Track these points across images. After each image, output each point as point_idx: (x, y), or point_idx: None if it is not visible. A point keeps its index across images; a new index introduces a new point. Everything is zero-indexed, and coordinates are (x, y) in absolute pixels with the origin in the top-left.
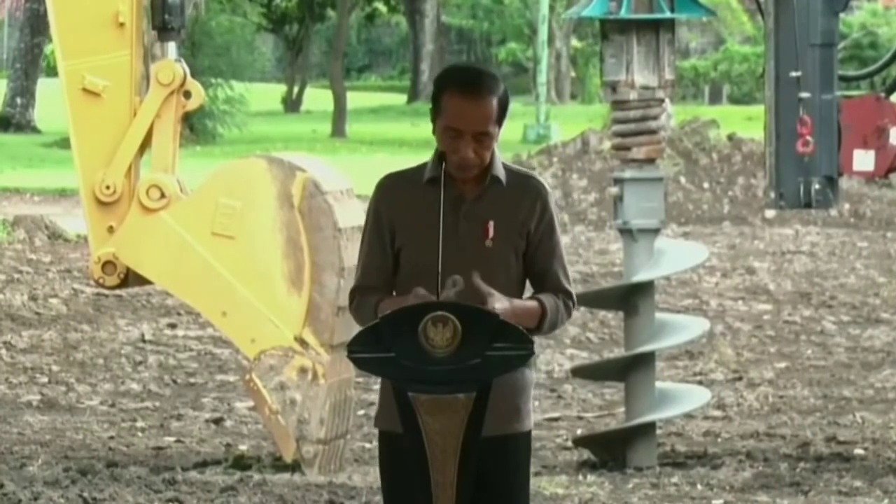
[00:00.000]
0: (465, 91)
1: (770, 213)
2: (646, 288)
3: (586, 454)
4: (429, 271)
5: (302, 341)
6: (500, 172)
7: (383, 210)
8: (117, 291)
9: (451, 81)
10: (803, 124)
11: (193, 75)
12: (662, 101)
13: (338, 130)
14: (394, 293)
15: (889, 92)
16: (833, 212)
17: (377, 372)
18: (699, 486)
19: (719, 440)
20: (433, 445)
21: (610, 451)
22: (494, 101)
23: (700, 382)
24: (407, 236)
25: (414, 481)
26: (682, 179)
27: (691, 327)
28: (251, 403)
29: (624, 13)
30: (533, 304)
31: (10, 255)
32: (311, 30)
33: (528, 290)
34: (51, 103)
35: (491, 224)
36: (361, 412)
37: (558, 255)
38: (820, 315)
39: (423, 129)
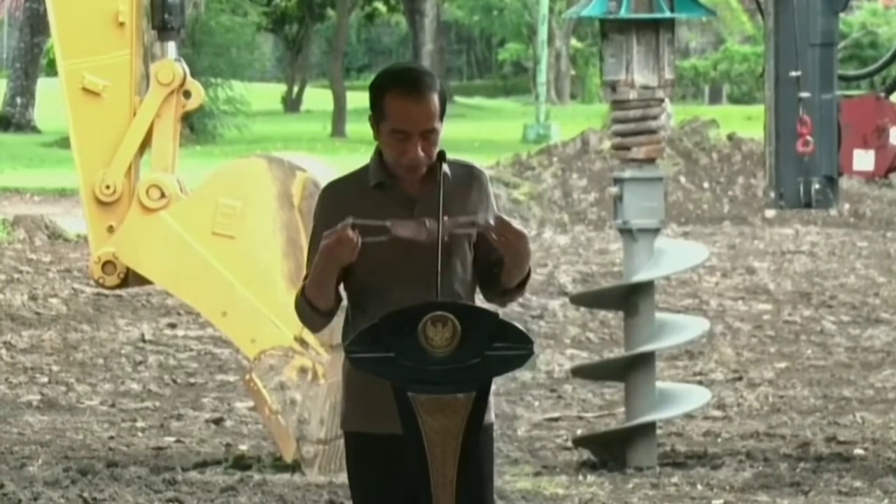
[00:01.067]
0: (407, 92)
1: (770, 213)
2: (646, 288)
3: (586, 454)
4: (394, 276)
5: (302, 341)
6: (447, 168)
7: (333, 217)
8: (117, 291)
9: (390, 84)
10: (803, 124)
11: (193, 75)
12: (662, 100)
13: (338, 130)
14: (344, 300)
15: (889, 92)
16: (833, 211)
17: (376, 372)
18: (699, 487)
19: (719, 440)
20: (433, 445)
21: (610, 451)
22: (436, 98)
23: (700, 382)
24: (364, 246)
25: (404, 480)
26: (682, 179)
27: (691, 327)
28: (251, 403)
29: (624, 13)
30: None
31: (10, 255)
32: (310, 29)
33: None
34: (51, 103)
35: (445, 219)
36: None
37: None
38: (820, 315)
39: None
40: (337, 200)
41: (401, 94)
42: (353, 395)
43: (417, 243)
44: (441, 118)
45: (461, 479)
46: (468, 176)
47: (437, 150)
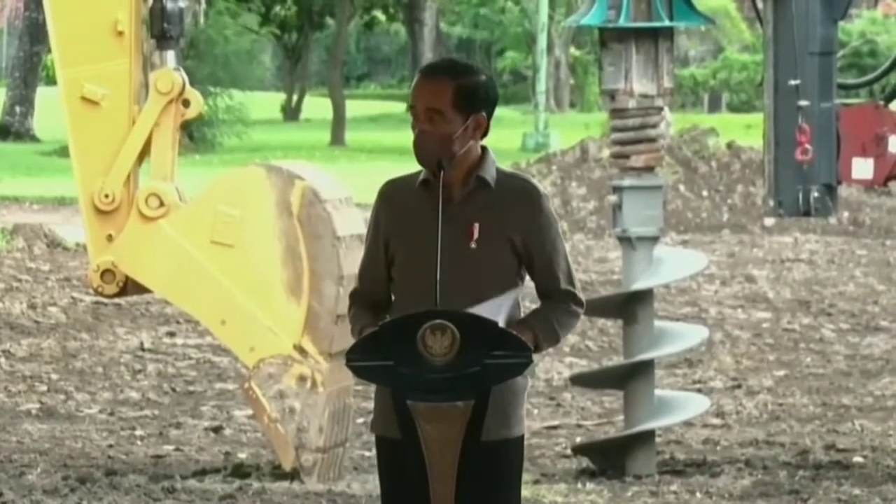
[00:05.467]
0: (423, 72)
1: (769, 221)
2: (645, 296)
3: (585, 462)
4: (418, 276)
5: (301, 349)
6: (489, 175)
7: (382, 217)
8: (116, 300)
9: (420, 70)
10: (802, 132)
11: (193, 84)
12: (661, 109)
13: (337, 139)
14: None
15: (888, 100)
16: (832, 220)
17: (376, 380)
18: (698, 494)
19: (718, 448)
20: (432, 453)
21: (609, 459)
22: (451, 84)
23: (699, 390)
24: (400, 242)
25: (410, 486)
26: (682, 187)
27: (690, 335)
28: (250, 412)
29: (623, 21)
30: (527, 335)
31: (9, 264)
32: (310, 38)
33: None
34: (50, 112)
35: (476, 226)
36: (360, 420)
37: (556, 257)
38: (819, 323)
39: None
40: (387, 202)
41: (418, 75)
42: (378, 400)
43: (444, 254)
44: (460, 109)
45: (461, 488)
46: (513, 188)
47: (449, 140)
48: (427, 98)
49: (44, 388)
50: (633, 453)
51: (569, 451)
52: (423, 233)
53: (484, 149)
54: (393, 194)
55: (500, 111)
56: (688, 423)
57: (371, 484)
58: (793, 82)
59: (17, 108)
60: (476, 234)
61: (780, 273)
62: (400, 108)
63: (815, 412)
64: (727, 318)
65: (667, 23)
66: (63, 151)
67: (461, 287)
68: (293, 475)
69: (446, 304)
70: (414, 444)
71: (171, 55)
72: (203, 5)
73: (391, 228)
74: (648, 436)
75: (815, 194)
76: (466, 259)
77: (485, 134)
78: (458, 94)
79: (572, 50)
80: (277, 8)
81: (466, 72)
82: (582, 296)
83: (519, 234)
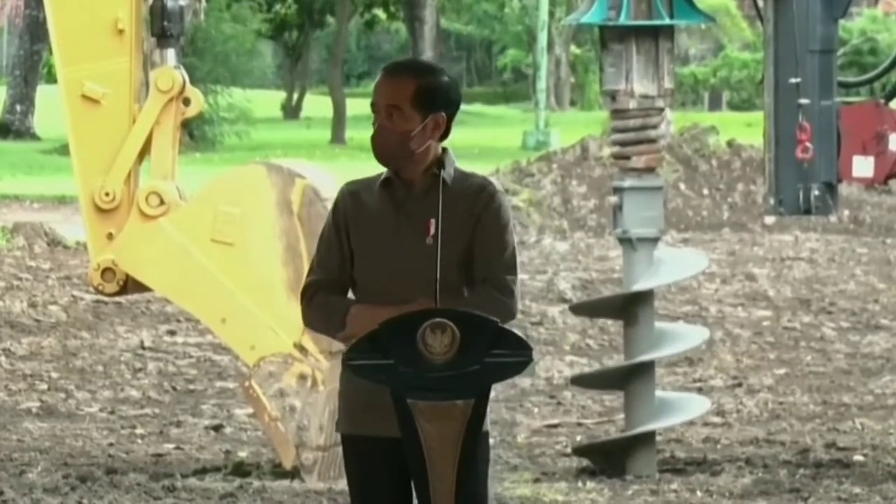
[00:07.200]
0: (386, 70)
1: (769, 220)
2: (645, 297)
3: (586, 461)
4: (379, 273)
5: (301, 348)
6: (447, 173)
7: (341, 213)
8: (117, 298)
9: (383, 68)
10: (803, 130)
11: (193, 82)
12: (662, 109)
13: (337, 137)
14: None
15: (888, 98)
16: (832, 218)
17: (375, 379)
18: (699, 493)
19: (719, 447)
20: (432, 452)
21: (609, 460)
22: (412, 82)
23: (700, 389)
24: (359, 240)
25: (375, 484)
26: (682, 186)
27: (690, 336)
28: (251, 410)
29: (623, 20)
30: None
31: (9, 262)
32: (310, 37)
33: None
34: (50, 110)
35: (432, 221)
36: None
37: (499, 249)
38: (819, 321)
39: None
40: (347, 199)
41: (382, 73)
42: (343, 398)
43: (401, 250)
44: (419, 107)
45: (461, 486)
46: (468, 184)
47: (410, 139)
48: (388, 95)
49: (44, 386)
50: (633, 454)
51: (569, 450)
52: (385, 232)
53: (444, 149)
54: (356, 193)
55: (500, 109)
56: (688, 422)
57: None
58: (793, 80)
59: (18, 107)
60: (432, 230)
61: (780, 271)
62: None
63: (815, 411)
64: (727, 316)
65: (667, 21)
66: (63, 150)
67: (420, 282)
68: (293, 474)
69: (407, 299)
70: (414, 443)
71: (171, 53)
72: (203, 3)
73: (352, 226)
74: (649, 437)
75: (816, 192)
76: (422, 255)
77: (444, 135)
78: (418, 92)
79: (573, 48)
80: (278, 6)
81: (428, 72)
82: (516, 290)
83: (470, 227)
